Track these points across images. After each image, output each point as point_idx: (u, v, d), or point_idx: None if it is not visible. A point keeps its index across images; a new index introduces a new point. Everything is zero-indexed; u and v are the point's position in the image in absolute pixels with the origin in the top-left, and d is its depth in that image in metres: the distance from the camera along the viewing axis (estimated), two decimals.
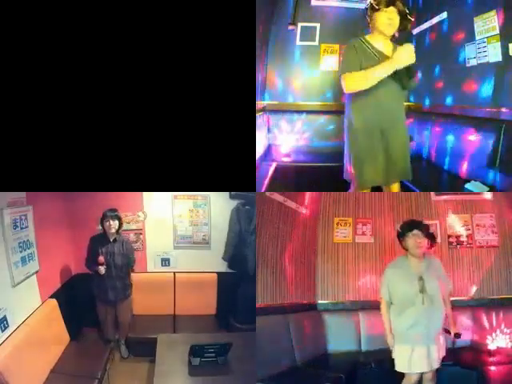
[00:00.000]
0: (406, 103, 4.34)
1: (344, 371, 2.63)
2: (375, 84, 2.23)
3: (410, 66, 2.25)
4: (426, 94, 4.21)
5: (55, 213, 3.40)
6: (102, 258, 3.15)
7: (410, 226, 2.25)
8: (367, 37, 2.38)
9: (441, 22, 3.77)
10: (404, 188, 3.33)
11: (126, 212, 3.85)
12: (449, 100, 3.69)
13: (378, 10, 2.25)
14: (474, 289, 3.47)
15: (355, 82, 2.26)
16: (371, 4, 2.27)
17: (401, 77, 2.27)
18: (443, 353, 2.27)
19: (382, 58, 2.29)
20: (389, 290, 2.29)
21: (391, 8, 2.22)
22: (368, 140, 2.42)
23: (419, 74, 4.39)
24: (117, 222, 3.22)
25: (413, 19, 2.33)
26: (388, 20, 2.24)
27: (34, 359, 2.47)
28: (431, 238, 2.27)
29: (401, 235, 2.28)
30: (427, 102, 4.22)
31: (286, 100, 4.77)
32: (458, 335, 2.33)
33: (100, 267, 3.15)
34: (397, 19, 2.25)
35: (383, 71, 2.21)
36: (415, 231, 2.21)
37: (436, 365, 2.21)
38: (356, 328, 3.31)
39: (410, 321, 2.18)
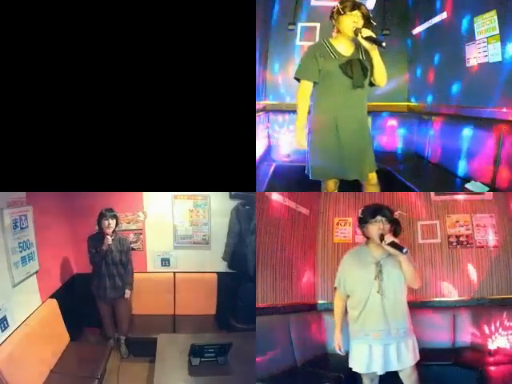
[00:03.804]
0: (406, 103, 4.38)
1: (344, 371, 2.63)
2: (332, 81, 2.44)
3: (364, 66, 2.41)
4: (426, 93, 4.21)
5: (55, 213, 3.40)
6: (109, 230, 3.17)
7: (373, 211, 2.02)
8: (331, 39, 2.49)
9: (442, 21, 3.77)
10: (404, 188, 3.34)
11: (126, 212, 3.85)
12: (448, 100, 3.68)
13: (343, 13, 2.37)
14: (474, 289, 3.46)
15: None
16: (337, 8, 2.40)
17: (356, 76, 2.41)
18: (414, 354, 2.06)
19: (340, 58, 2.43)
20: (345, 279, 2.11)
21: (356, 12, 2.36)
22: (323, 135, 2.53)
23: (419, 72, 4.39)
24: (114, 221, 3.23)
25: (375, 23, 2.45)
26: (352, 23, 2.36)
27: (33, 359, 2.46)
28: (396, 224, 2.03)
29: (363, 222, 2.04)
30: (427, 101, 4.22)
31: (286, 100, 4.77)
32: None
33: (108, 237, 3.15)
34: (361, 23, 2.37)
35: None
36: (379, 217, 1.99)
37: (400, 366, 2.03)
38: None
39: (365, 313, 2.02)
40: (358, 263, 2.08)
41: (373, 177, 2.73)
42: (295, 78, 2.52)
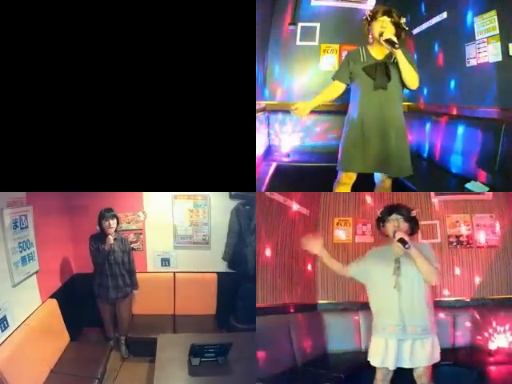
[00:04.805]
0: (406, 103, 4.38)
1: (344, 371, 2.64)
2: (359, 83, 2.62)
3: (389, 69, 2.53)
4: (426, 93, 4.21)
5: (55, 213, 3.40)
6: (110, 230, 3.16)
7: (389, 210, 2.13)
8: (368, 45, 2.65)
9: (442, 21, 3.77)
10: (404, 188, 3.34)
11: (126, 212, 3.85)
12: (449, 100, 3.68)
13: (373, 19, 2.52)
14: (474, 289, 3.46)
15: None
16: (367, 15, 2.57)
17: (378, 78, 2.55)
18: (431, 354, 2.05)
19: (369, 62, 2.59)
20: (367, 271, 2.16)
21: (385, 17, 2.49)
22: (351, 131, 2.69)
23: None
24: (115, 221, 3.21)
25: (407, 28, 2.57)
26: (381, 28, 2.49)
27: (33, 359, 2.47)
28: (413, 222, 2.12)
29: (381, 220, 2.15)
30: (427, 101, 4.22)
31: (286, 100, 4.76)
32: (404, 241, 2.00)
33: (109, 236, 3.13)
34: (390, 28, 2.50)
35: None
36: (394, 215, 2.09)
37: (412, 364, 2.05)
38: (356, 328, 3.31)
39: (383, 307, 2.09)
40: (380, 260, 2.14)
41: (388, 182, 2.83)
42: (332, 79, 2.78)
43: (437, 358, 2.09)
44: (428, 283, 2.05)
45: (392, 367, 2.07)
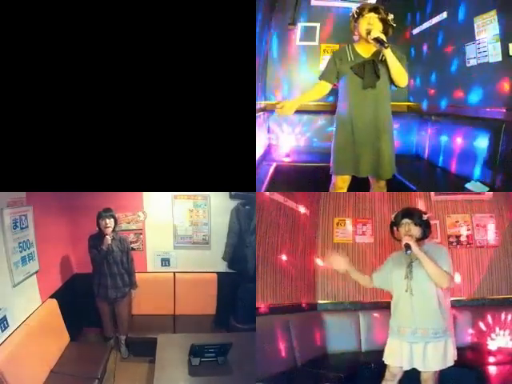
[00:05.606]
0: (406, 103, 4.39)
1: (344, 371, 2.63)
2: (346, 82, 2.58)
3: (377, 67, 2.49)
4: (426, 93, 4.21)
5: (55, 213, 3.40)
6: (107, 230, 3.15)
7: (401, 214, 2.13)
8: (355, 43, 2.60)
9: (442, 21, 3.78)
10: (404, 188, 3.35)
11: (126, 212, 3.85)
12: (449, 100, 3.68)
13: (360, 16, 2.47)
14: (474, 289, 3.46)
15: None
16: (354, 12, 2.51)
17: (367, 76, 2.50)
18: (443, 357, 2.03)
19: (357, 60, 2.53)
20: (387, 277, 2.18)
21: (372, 14, 2.44)
22: (341, 132, 2.65)
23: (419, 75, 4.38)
24: (112, 221, 3.21)
25: (394, 25, 2.51)
26: (368, 25, 2.44)
27: (33, 359, 2.47)
28: (425, 226, 2.10)
29: (394, 225, 2.16)
30: (427, 101, 4.23)
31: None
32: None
33: (107, 237, 3.13)
34: (377, 25, 2.44)
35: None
36: (405, 220, 2.10)
37: (424, 367, 2.03)
38: (356, 328, 3.31)
39: (397, 309, 2.11)
40: (397, 264, 2.16)
41: (382, 182, 2.78)
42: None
43: (450, 361, 2.06)
44: (439, 286, 2.03)
45: (405, 367, 2.08)
